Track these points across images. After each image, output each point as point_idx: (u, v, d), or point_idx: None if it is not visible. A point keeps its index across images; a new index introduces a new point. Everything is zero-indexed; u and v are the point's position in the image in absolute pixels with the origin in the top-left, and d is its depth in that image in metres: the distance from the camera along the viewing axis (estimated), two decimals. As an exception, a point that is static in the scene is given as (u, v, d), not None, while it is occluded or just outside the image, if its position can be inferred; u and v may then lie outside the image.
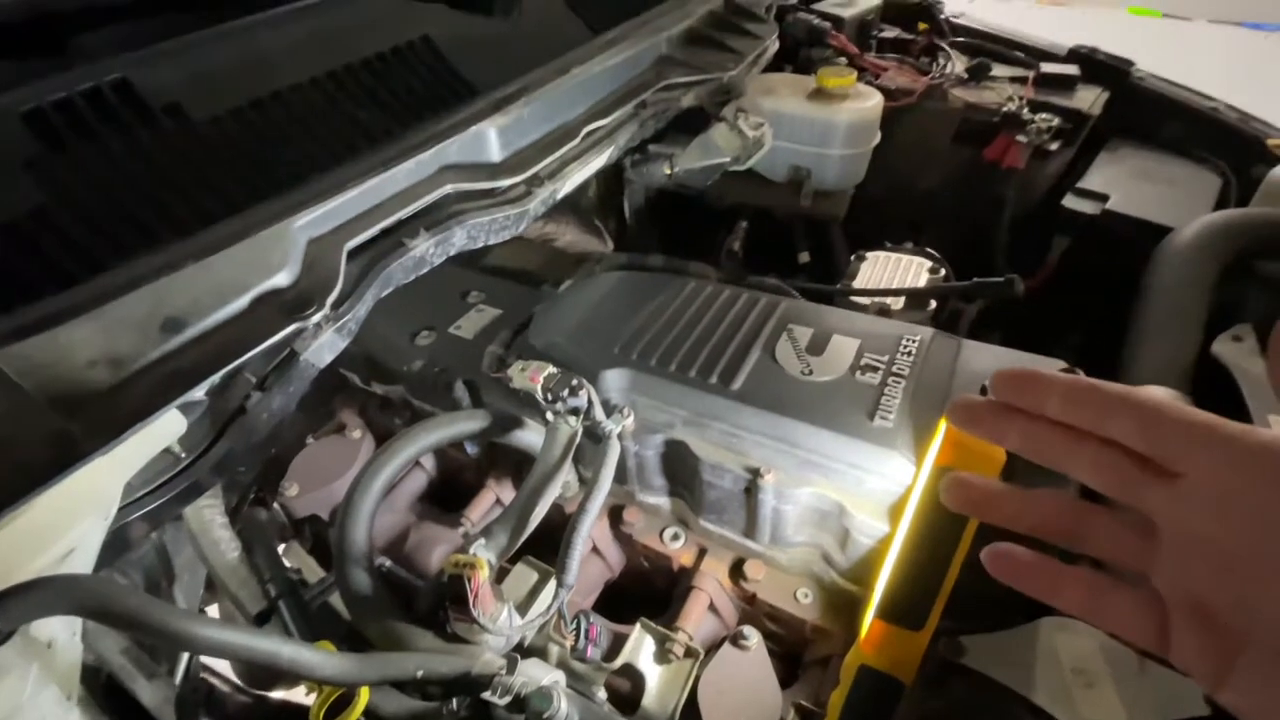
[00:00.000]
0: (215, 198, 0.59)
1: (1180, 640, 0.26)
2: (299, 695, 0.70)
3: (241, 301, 0.55)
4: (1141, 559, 0.28)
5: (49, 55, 0.61)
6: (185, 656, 0.71)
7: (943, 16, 1.65)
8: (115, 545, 0.56)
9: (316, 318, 0.57)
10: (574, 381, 0.76)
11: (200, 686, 0.68)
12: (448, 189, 0.72)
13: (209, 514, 0.82)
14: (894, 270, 1.14)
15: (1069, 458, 0.29)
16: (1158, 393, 0.27)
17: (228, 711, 0.81)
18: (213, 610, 0.94)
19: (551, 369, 0.77)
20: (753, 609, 0.83)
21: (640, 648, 0.75)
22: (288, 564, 0.85)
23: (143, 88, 0.61)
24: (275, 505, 0.94)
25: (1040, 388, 0.30)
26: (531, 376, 0.76)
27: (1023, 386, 0.31)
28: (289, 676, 0.65)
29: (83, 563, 0.48)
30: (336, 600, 0.78)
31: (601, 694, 0.72)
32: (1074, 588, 0.29)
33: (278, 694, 0.86)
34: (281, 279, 0.58)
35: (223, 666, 0.83)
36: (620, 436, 0.77)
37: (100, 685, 0.71)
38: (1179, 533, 0.26)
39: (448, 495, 1.04)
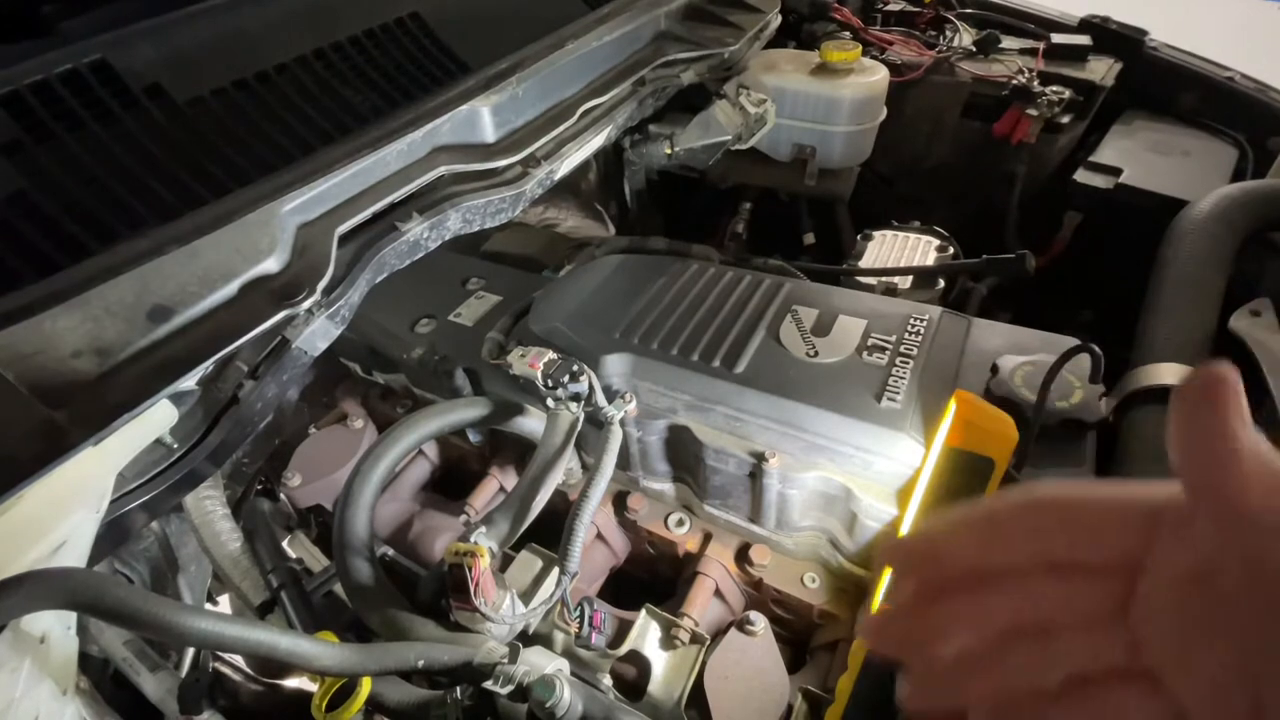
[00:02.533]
0: (200, 181, 0.58)
1: None
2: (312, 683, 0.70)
3: (230, 288, 0.54)
4: (1130, 668, 0.23)
5: (25, 37, 0.59)
6: (191, 647, 0.71)
7: (950, -12, 1.61)
8: (113, 536, 0.56)
9: (307, 304, 0.56)
10: (575, 367, 0.74)
11: (203, 677, 0.67)
12: (441, 170, 0.70)
13: (210, 505, 0.81)
14: (901, 249, 1.12)
15: (1022, 610, 0.25)
16: (1055, 489, 0.24)
17: (240, 700, 0.81)
18: (222, 600, 0.94)
19: (552, 355, 0.76)
20: (759, 594, 0.82)
21: (646, 634, 0.74)
22: (292, 554, 0.85)
23: (122, 69, 0.60)
24: (282, 495, 0.94)
25: (941, 552, 0.26)
26: (531, 363, 0.75)
27: (924, 558, 0.27)
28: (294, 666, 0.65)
29: (74, 556, 0.47)
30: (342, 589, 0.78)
31: (607, 681, 0.71)
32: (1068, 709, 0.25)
33: (290, 682, 0.86)
34: (271, 264, 0.56)
35: (235, 655, 0.83)
36: (622, 422, 0.76)
37: (108, 677, 0.71)
38: (1169, 634, 0.23)
39: (452, 484, 1.04)
